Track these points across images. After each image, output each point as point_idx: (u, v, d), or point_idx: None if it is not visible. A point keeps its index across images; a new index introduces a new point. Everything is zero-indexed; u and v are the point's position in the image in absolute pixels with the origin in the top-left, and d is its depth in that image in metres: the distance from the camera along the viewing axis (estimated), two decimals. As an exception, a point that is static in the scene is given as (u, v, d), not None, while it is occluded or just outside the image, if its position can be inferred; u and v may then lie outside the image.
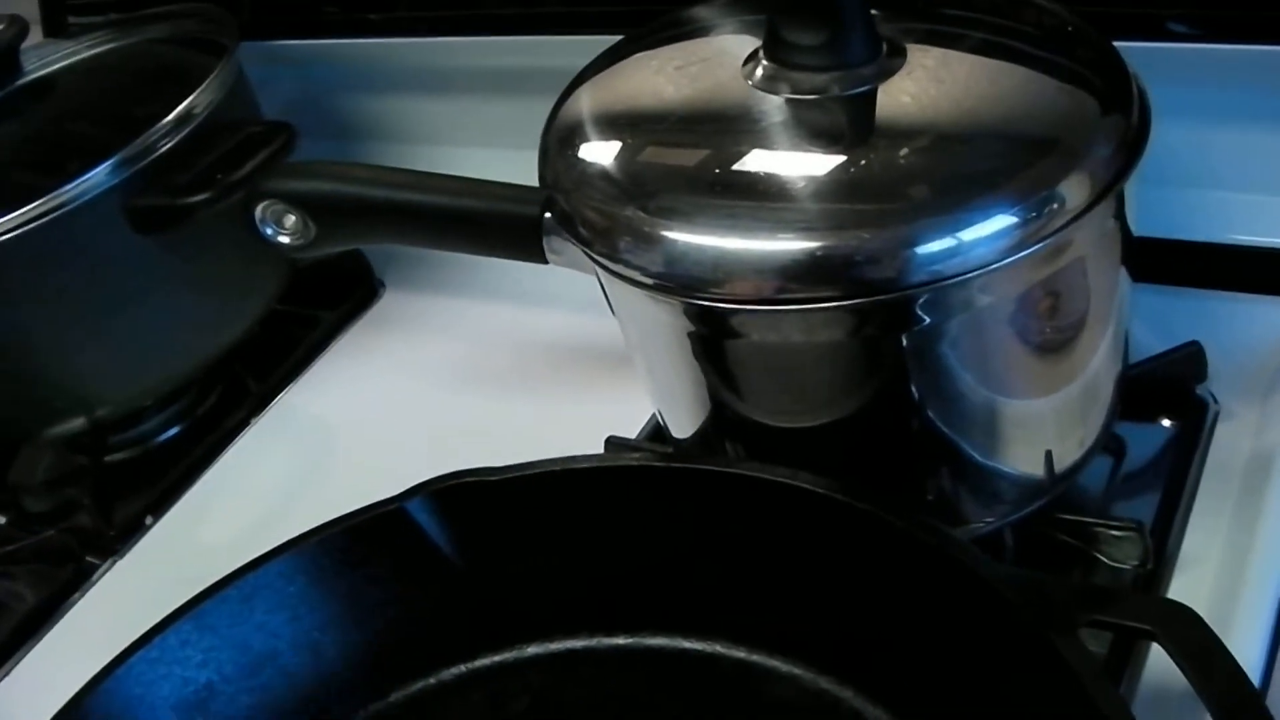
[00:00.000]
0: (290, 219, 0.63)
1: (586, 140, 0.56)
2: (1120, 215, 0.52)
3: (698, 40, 0.60)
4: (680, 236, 0.51)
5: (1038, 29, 0.56)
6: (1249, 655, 0.51)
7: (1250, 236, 0.67)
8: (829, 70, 0.53)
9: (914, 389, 0.53)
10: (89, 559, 0.76)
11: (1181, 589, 0.56)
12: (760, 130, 0.53)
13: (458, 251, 0.63)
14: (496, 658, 0.57)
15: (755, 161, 0.52)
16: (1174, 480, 0.61)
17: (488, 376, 0.77)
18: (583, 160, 0.55)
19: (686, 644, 0.56)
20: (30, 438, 0.81)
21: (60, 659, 0.71)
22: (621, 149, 0.55)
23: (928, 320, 0.50)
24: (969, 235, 0.48)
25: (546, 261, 0.60)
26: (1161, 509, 0.60)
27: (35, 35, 0.86)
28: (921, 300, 0.49)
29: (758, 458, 0.55)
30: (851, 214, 0.50)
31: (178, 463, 0.80)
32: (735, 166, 0.52)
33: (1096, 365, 0.56)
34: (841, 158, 0.51)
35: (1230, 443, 0.62)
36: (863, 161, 0.51)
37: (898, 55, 0.54)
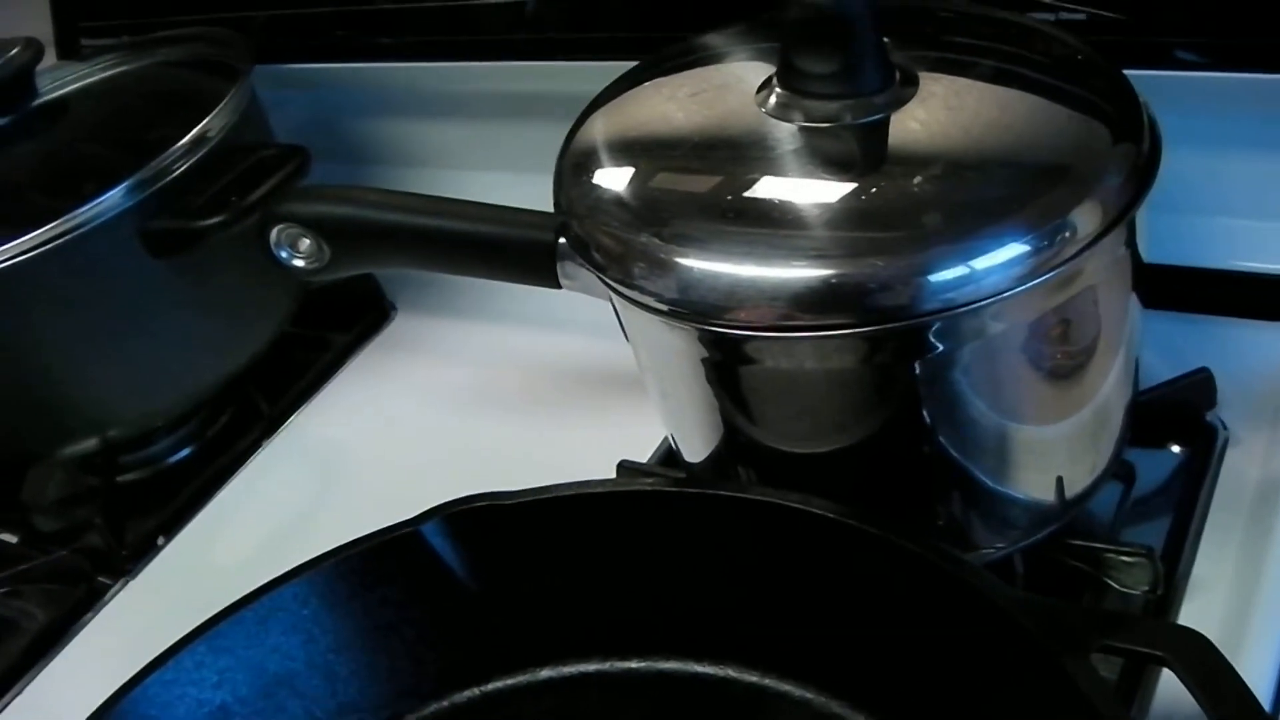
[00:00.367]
0: (305, 242, 0.64)
1: (601, 166, 0.56)
2: (1131, 243, 0.53)
3: (710, 68, 0.61)
4: (695, 263, 0.51)
5: (1048, 58, 0.57)
6: (1260, 680, 0.51)
7: (1259, 264, 0.67)
8: (842, 98, 0.54)
9: (926, 415, 0.53)
10: (101, 579, 0.76)
11: (1192, 614, 0.57)
12: (774, 157, 0.54)
13: (471, 276, 0.64)
14: (509, 681, 0.58)
15: (769, 189, 0.52)
16: (1184, 506, 0.61)
17: (499, 400, 0.78)
18: (597, 186, 0.56)
19: (699, 668, 0.56)
20: (42, 458, 0.81)
21: (72, 679, 0.71)
22: (636, 175, 0.55)
23: (940, 348, 0.50)
24: (981, 264, 0.48)
25: (560, 287, 0.60)
26: (1171, 535, 0.60)
27: (49, 58, 0.87)
28: (934, 328, 0.50)
29: (770, 483, 0.55)
30: (865, 242, 0.50)
31: (189, 484, 0.81)
32: (749, 193, 0.52)
33: (1108, 391, 0.56)
34: (854, 185, 0.52)
35: (1240, 469, 0.62)
36: (875, 189, 0.51)
37: (910, 84, 0.54)
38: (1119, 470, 0.61)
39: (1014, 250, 0.48)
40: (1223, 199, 0.67)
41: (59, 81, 0.88)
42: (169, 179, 0.75)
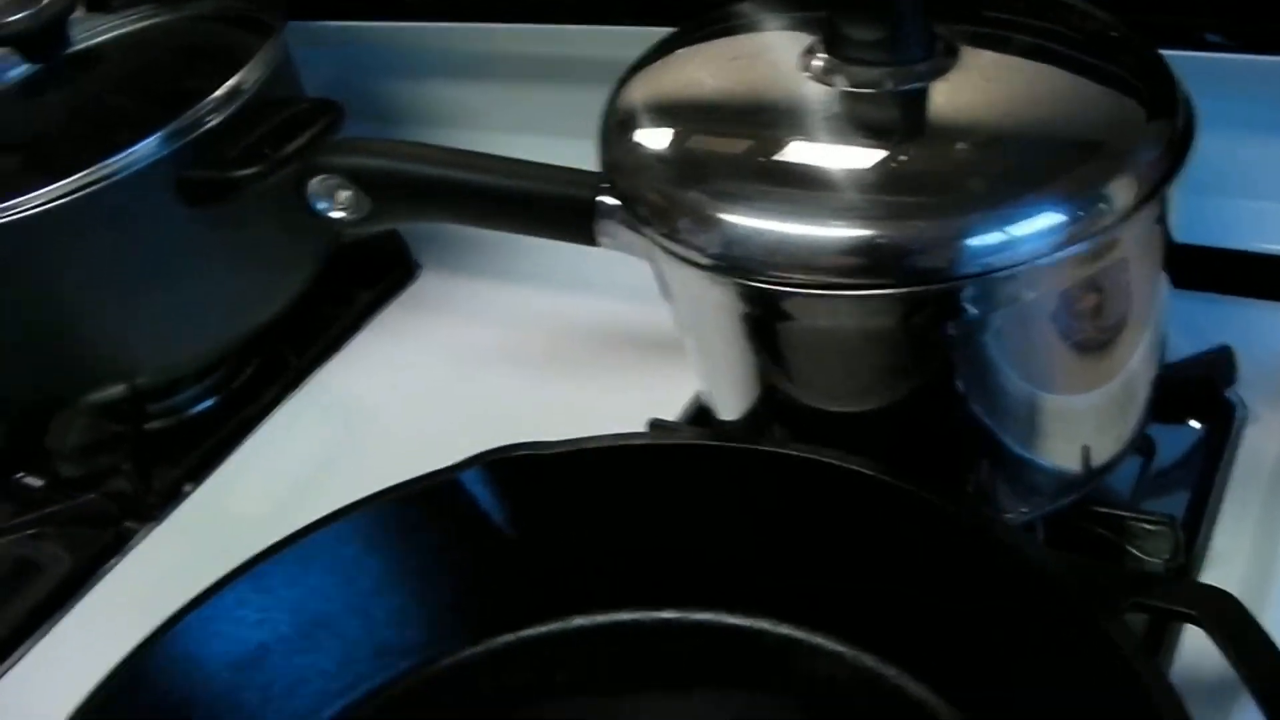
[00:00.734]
0: (344, 194, 0.64)
1: (645, 125, 0.57)
2: (1163, 219, 0.54)
3: (751, 34, 0.62)
4: (739, 220, 0.52)
5: (1084, 35, 0.58)
6: (1279, 647, 0.52)
7: (1280, 246, 0.68)
8: (885, 65, 0.55)
9: (958, 379, 0.54)
10: (127, 524, 0.76)
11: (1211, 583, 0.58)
12: (817, 121, 0.55)
13: (508, 231, 0.65)
14: (544, 628, 0.59)
15: (812, 150, 0.54)
16: (1203, 480, 0.62)
17: (524, 360, 0.78)
18: (642, 144, 0.57)
19: (731, 619, 0.57)
20: (68, 403, 0.82)
21: (98, 621, 0.72)
22: (681, 134, 0.56)
23: (975, 312, 0.51)
24: (1019, 230, 0.49)
25: (596, 244, 0.61)
26: (1190, 507, 0.61)
27: (79, 10, 0.87)
28: (970, 292, 0.51)
29: (803, 441, 0.56)
30: (905, 204, 0.51)
31: (214, 433, 0.81)
32: (792, 155, 0.53)
33: (1135, 364, 0.57)
34: (896, 150, 0.53)
35: (1257, 445, 0.63)
36: (917, 154, 0.53)
37: (951, 55, 0.55)
38: (1139, 444, 0.62)
39: (1051, 218, 0.49)
40: (1246, 180, 0.68)
41: (91, 32, 0.88)
42: (203, 130, 0.76)
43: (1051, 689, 0.48)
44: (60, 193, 0.73)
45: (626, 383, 0.74)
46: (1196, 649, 0.48)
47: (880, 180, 0.52)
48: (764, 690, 0.55)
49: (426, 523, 0.57)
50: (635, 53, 0.62)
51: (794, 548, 0.55)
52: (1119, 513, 0.60)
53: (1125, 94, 0.55)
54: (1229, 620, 0.45)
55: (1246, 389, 0.66)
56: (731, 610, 0.57)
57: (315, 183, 0.64)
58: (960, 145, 0.52)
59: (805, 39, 0.57)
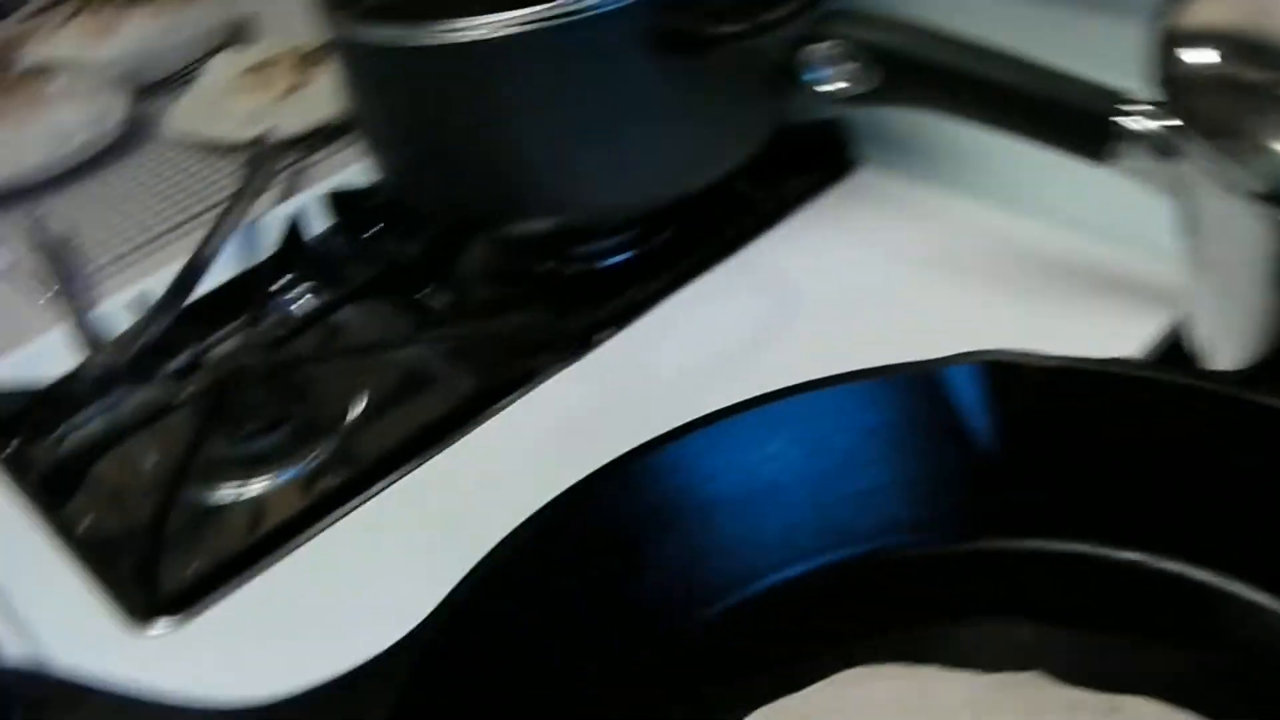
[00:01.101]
0: (849, 65, 0.62)
1: (1207, 45, 0.54)
2: None
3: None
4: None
5: None
6: None
7: None
8: None
9: None
10: (540, 358, 0.76)
11: None
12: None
13: (1010, 134, 0.62)
14: (994, 544, 0.56)
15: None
16: None
17: (957, 272, 0.75)
18: (1199, 65, 0.53)
19: (1199, 574, 0.53)
20: (491, 229, 0.82)
21: (489, 452, 0.73)
22: (1246, 60, 0.53)
23: None
24: None
25: (1101, 162, 0.58)
26: None
27: None
28: None
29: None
30: None
31: (631, 287, 0.80)
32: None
33: None
34: None
35: None
36: None
37: None
38: None
39: None
40: None
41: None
42: (689, -23, 0.74)
43: None
44: (537, 17, 0.72)
45: (1067, 315, 0.71)
46: None
47: None
48: (1220, 652, 0.51)
49: (901, 413, 0.55)
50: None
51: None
52: None
53: None
54: None
55: None
56: (1199, 565, 0.53)
57: (819, 49, 0.62)
58: None
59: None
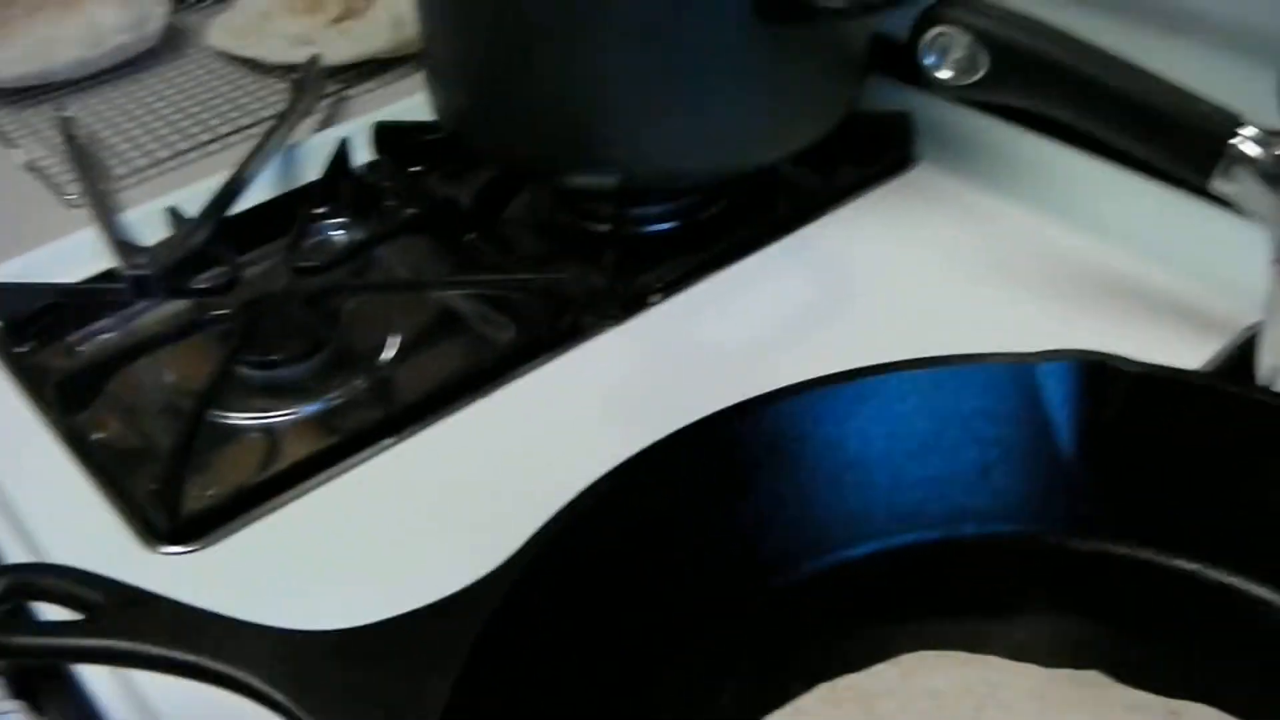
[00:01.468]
0: (959, 53, 0.62)
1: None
2: None
3: None
4: None
5: None
6: None
7: None
8: None
9: None
10: (587, 315, 0.75)
11: None
12: None
13: (1112, 139, 0.62)
14: (1063, 541, 0.56)
15: None
16: None
17: (1009, 278, 0.75)
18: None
19: (1256, 589, 0.53)
20: (547, 178, 0.81)
21: (536, 404, 0.71)
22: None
23: None
24: None
25: (1208, 184, 0.58)
26: None
27: None
28: None
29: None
30: None
31: (680, 255, 0.79)
32: None
33: None
34: None
35: None
36: None
37: None
38: None
39: None
40: None
41: None
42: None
43: None
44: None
45: (1116, 331, 0.70)
46: None
47: None
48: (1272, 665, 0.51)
49: (988, 402, 0.55)
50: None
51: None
52: None
53: None
54: None
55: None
56: (1258, 580, 0.53)
57: (932, 34, 0.61)
58: None
59: None
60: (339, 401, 0.74)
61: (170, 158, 0.93)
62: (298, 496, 0.67)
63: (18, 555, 0.64)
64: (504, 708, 0.46)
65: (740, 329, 0.75)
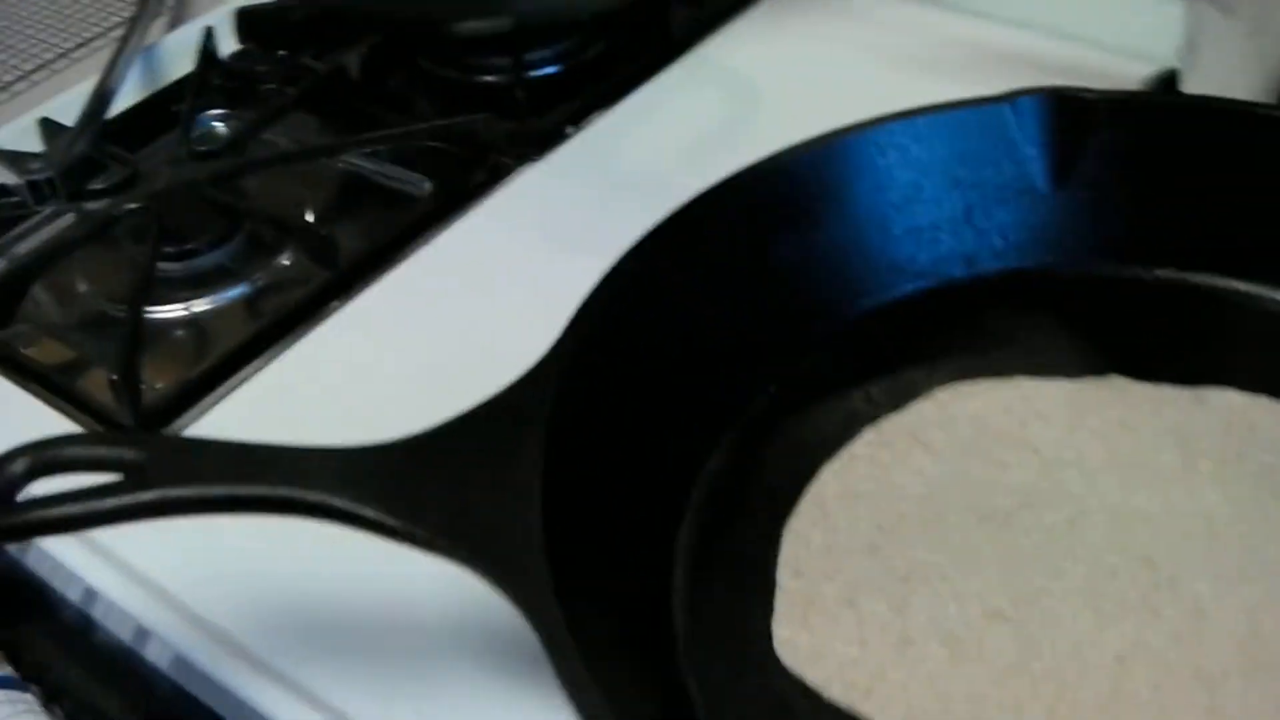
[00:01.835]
0: None
1: None
2: None
3: None
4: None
5: None
6: None
7: None
8: None
9: None
10: (504, 159, 0.74)
11: None
12: None
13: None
14: (1054, 270, 0.58)
15: None
16: None
17: (910, 66, 0.77)
18: None
19: (1236, 285, 0.56)
20: (441, 29, 0.80)
21: (467, 246, 0.71)
22: None
23: None
24: None
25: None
26: None
27: None
28: None
29: None
30: None
31: (579, 93, 0.79)
32: None
33: None
34: None
35: None
36: None
37: None
38: None
39: None
40: None
41: None
42: None
43: None
44: None
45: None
46: None
47: None
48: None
49: (960, 148, 0.56)
50: None
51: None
52: None
53: None
54: None
55: None
56: (1238, 276, 0.56)
57: None
58: None
59: None
60: (266, 281, 0.72)
61: (30, 72, 0.88)
62: (250, 376, 0.65)
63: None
64: (586, 475, 0.45)
65: (662, 148, 0.75)
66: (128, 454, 0.45)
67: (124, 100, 0.83)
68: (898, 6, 0.82)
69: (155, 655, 0.57)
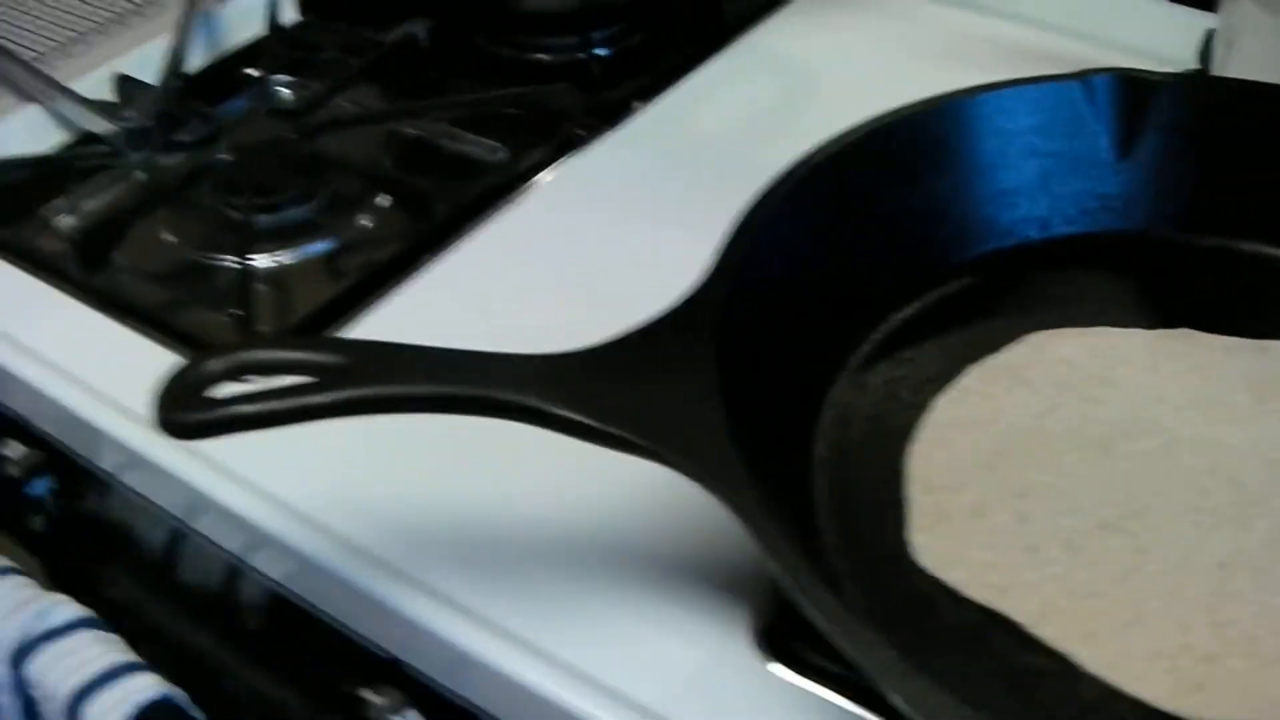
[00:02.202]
0: None
1: None
2: None
3: None
4: None
5: None
6: None
7: None
8: None
9: None
10: (575, 130, 0.79)
11: None
12: None
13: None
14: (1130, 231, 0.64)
15: None
16: None
17: (954, 60, 0.82)
18: None
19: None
20: (509, 3, 0.84)
21: (551, 207, 0.75)
22: None
23: None
24: None
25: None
26: None
27: None
28: None
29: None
30: None
31: (644, 70, 0.84)
32: None
33: None
34: None
35: None
36: None
37: None
38: None
39: None
40: None
41: None
42: None
43: None
44: None
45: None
46: None
47: None
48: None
49: (1042, 119, 0.62)
50: None
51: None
52: None
53: None
54: None
55: None
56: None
57: None
58: None
59: None
60: (351, 238, 0.75)
61: (87, 32, 0.90)
62: (341, 328, 0.68)
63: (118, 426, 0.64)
64: (741, 387, 0.50)
65: (725, 124, 0.80)
66: (324, 357, 0.49)
67: (194, 61, 0.86)
68: (931, 6, 0.88)
69: (269, 565, 0.60)
